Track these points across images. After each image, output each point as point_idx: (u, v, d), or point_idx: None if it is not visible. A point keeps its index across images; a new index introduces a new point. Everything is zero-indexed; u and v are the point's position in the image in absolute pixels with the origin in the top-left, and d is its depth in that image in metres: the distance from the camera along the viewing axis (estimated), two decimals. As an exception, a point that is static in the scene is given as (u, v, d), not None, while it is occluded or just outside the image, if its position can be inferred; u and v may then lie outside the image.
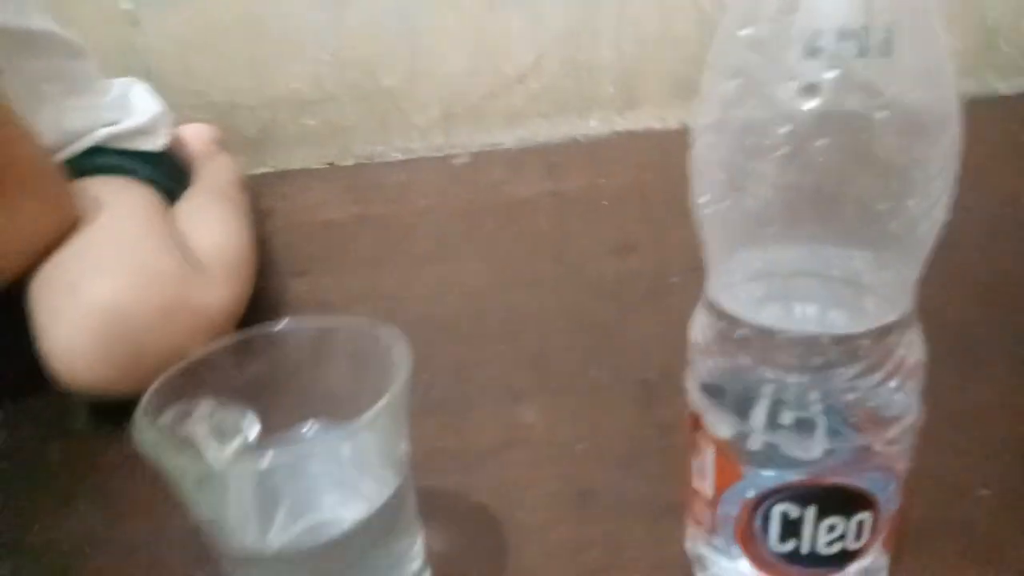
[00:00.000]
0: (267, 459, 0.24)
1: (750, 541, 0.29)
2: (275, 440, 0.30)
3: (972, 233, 0.58)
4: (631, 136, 0.98)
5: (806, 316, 0.25)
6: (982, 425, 0.41)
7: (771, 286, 0.26)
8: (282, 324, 0.31)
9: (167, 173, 0.69)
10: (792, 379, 0.25)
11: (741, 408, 0.26)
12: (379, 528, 0.29)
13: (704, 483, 0.30)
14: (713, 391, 0.28)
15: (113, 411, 0.50)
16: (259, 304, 0.61)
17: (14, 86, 0.56)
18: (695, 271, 0.28)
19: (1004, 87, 0.97)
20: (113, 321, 0.48)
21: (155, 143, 0.70)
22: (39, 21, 0.61)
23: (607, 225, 0.72)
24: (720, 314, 0.27)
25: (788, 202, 0.23)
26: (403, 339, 0.29)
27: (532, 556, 0.36)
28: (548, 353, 0.53)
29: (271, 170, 1.00)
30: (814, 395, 0.25)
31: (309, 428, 0.31)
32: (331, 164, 1.01)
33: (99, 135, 0.65)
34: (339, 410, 0.28)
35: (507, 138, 0.99)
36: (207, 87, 0.96)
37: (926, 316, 0.27)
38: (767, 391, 0.26)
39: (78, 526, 0.43)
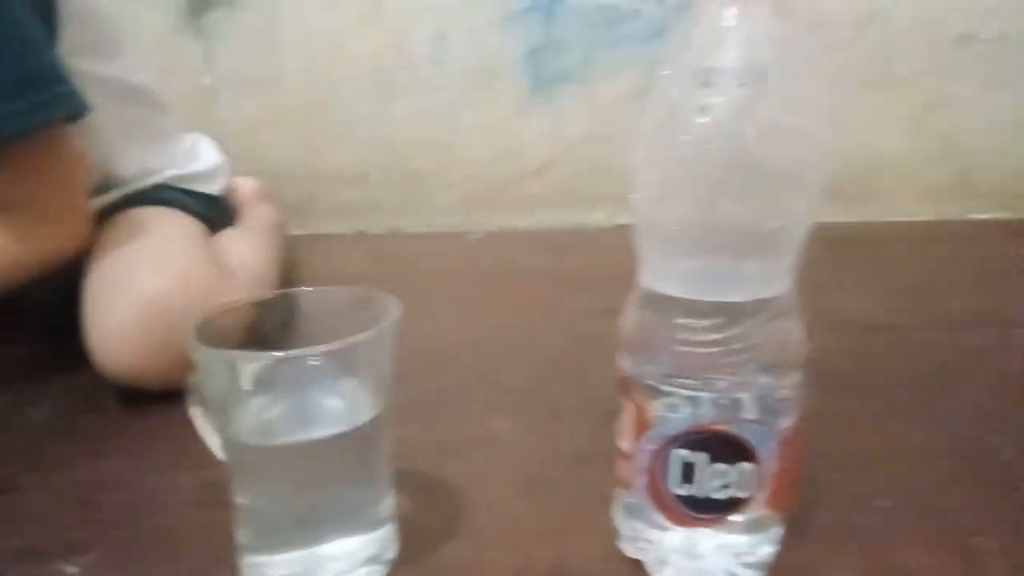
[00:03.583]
0: (279, 355, 0.32)
1: (657, 487, 0.35)
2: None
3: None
4: (631, 228, 1.07)
5: (707, 289, 0.32)
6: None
7: (683, 272, 0.33)
8: (299, 289, 0.39)
9: (217, 212, 0.80)
10: (696, 339, 0.32)
11: (651, 369, 0.33)
12: (355, 446, 0.35)
13: (626, 441, 0.36)
14: (634, 352, 0.35)
15: (138, 395, 0.58)
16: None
17: (114, 126, 0.67)
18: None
19: (981, 215, 1.05)
20: (154, 311, 0.56)
21: (211, 188, 0.81)
22: (142, 80, 0.74)
23: (599, 295, 0.79)
24: (647, 295, 0.34)
25: (695, 200, 0.31)
26: (394, 301, 0.37)
27: (488, 523, 0.42)
28: (526, 385, 0.60)
29: (310, 232, 1.11)
30: (709, 351, 0.32)
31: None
32: (361, 232, 1.12)
33: (167, 174, 0.76)
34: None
35: (520, 222, 1.10)
36: (265, 157, 1.08)
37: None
38: (672, 354, 0.33)
39: (105, 473, 0.49)
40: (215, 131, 1.04)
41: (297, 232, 1.11)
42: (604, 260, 0.93)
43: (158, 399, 0.57)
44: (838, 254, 0.92)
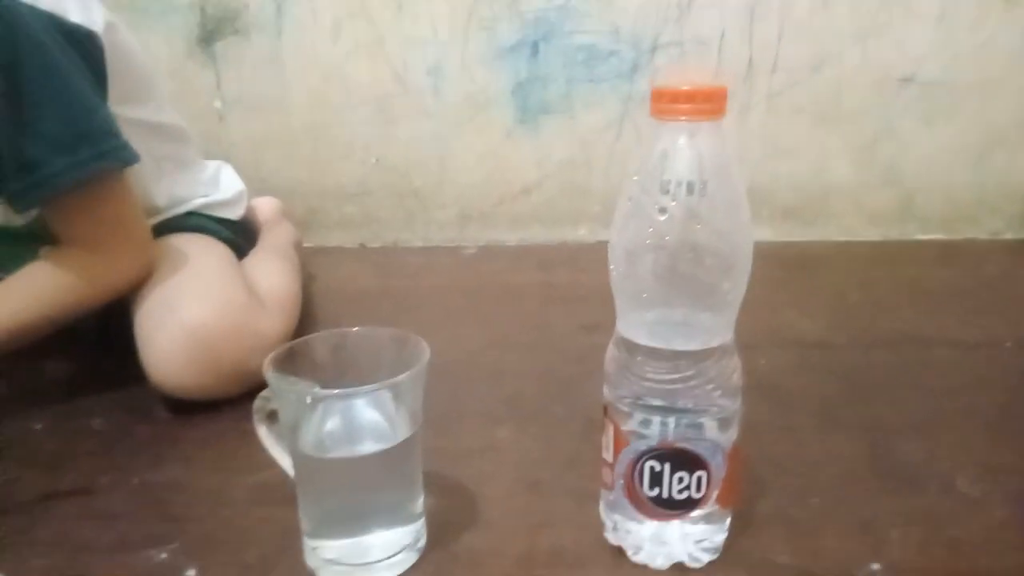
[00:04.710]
0: (336, 392, 0.41)
1: (632, 489, 0.45)
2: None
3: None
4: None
5: (667, 340, 0.42)
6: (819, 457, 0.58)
7: (649, 325, 0.43)
8: (353, 329, 0.49)
9: (241, 235, 0.88)
10: (659, 376, 0.42)
11: (626, 398, 0.44)
12: (397, 459, 0.45)
13: (607, 452, 0.46)
14: (614, 384, 0.45)
15: (184, 405, 0.67)
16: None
17: (147, 162, 0.75)
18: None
19: (921, 236, 1.18)
20: (199, 336, 0.65)
21: (235, 213, 0.89)
22: (169, 116, 0.82)
23: (582, 310, 0.90)
24: (622, 340, 0.44)
25: (656, 274, 0.41)
26: (424, 343, 0.47)
27: (497, 516, 0.52)
28: (521, 395, 0.70)
29: (313, 245, 1.20)
30: (670, 387, 0.42)
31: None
32: (362, 245, 1.22)
33: (196, 203, 0.84)
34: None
35: (510, 238, 1.20)
36: (271, 176, 1.17)
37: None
38: (642, 387, 0.43)
39: (168, 475, 0.58)
40: (224, 151, 1.13)
41: (304, 245, 1.20)
42: (587, 275, 1.03)
43: (201, 409, 0.67)
44: (790, 273, 1.03)
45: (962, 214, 1.16)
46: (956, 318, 0.86)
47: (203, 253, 0.76)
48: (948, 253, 1.12)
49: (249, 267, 0.82)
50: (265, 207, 1.04)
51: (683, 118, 0.39)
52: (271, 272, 0.83)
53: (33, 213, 0.70)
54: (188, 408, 0.67)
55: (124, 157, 0.66)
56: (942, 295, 0.94)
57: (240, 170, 0.97)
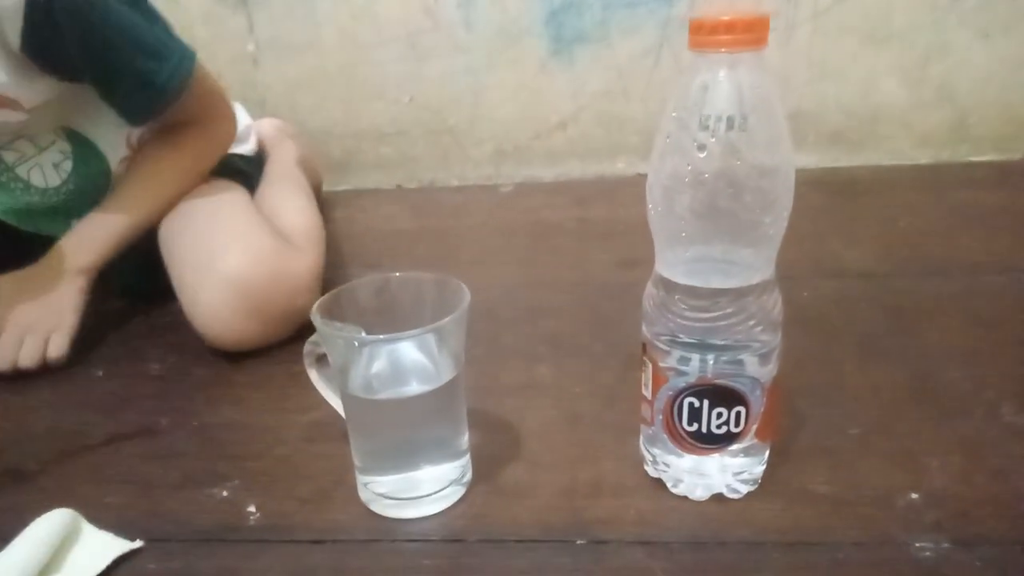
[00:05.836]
0: (383, 336, 0.42)
1: (671, 425, 0.46)
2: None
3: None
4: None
5: (706, 278, 0.42)
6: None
7: (688, 263, 0.43)
8: (395, 273, 0.49)
9: (252, 165, 0.92)
10: (698, 315, 0.42)
11: (664, 336, 0.44)
12: (442, 399, 0.47)
13: (647, 389, 0.47)
14: (652, 322, 0.45)
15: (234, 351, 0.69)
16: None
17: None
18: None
19: (974, 158, 1.13)
20: (241, 287, 0.67)
21: (245, 148, 0.91)
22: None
23: (620, 246, 0.90)
24: (660, 279, 0.44)
25: (694, 212, 0.41)
26: (465, 287, 0.47)
27: (540, 451, 0.53)
28: (560, 332, 0.71)
29: (351, 188, 1.21)
30: (709, 325, 0.42)
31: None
32: (399, 186, 1.22)
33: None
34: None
35: (546, 173, 1.19)
36: (307, 118, 1.17)
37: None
38: (680, 326, 0.43)
39: (225, 416, 0.61)
40: (260, 95, 1.14)
41: (341, 188, 1.21)
42: (625, 209, 1.02)
43: (251, 352, 0.69)
44: (836, 201, 1.00)
45: (1019, 133, 1.10)
46: (1009, 243, 0.83)
47: (225, 201, 0.77)
48: (1002, 174, 1.07)
49: (267, 202, 0.83)
50: (266, 127, 1.05)
51: (723, 50, 0.38)
52: (288, 204, 0.85)
53: (70, 187, 0.75)
54: (239, 353, 0.69)
55: (194, 54, 0.75)
56: (995, 219, 0.91)
57: (276, 113, 0.98)
